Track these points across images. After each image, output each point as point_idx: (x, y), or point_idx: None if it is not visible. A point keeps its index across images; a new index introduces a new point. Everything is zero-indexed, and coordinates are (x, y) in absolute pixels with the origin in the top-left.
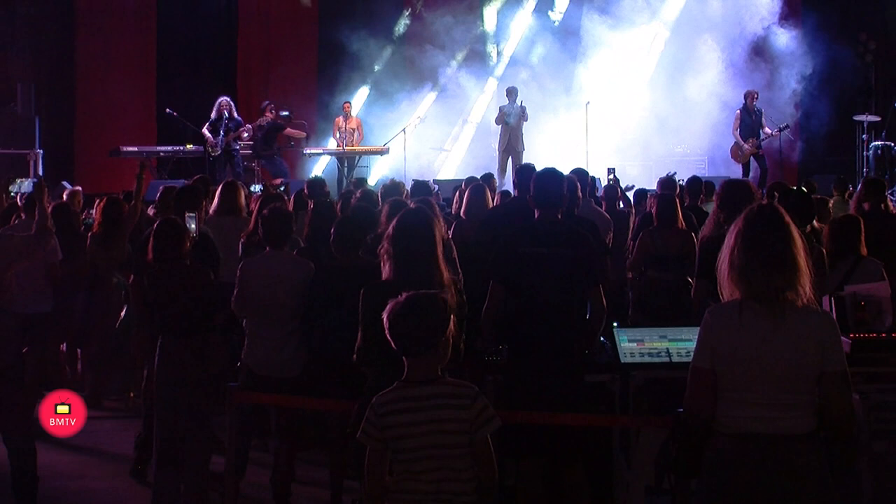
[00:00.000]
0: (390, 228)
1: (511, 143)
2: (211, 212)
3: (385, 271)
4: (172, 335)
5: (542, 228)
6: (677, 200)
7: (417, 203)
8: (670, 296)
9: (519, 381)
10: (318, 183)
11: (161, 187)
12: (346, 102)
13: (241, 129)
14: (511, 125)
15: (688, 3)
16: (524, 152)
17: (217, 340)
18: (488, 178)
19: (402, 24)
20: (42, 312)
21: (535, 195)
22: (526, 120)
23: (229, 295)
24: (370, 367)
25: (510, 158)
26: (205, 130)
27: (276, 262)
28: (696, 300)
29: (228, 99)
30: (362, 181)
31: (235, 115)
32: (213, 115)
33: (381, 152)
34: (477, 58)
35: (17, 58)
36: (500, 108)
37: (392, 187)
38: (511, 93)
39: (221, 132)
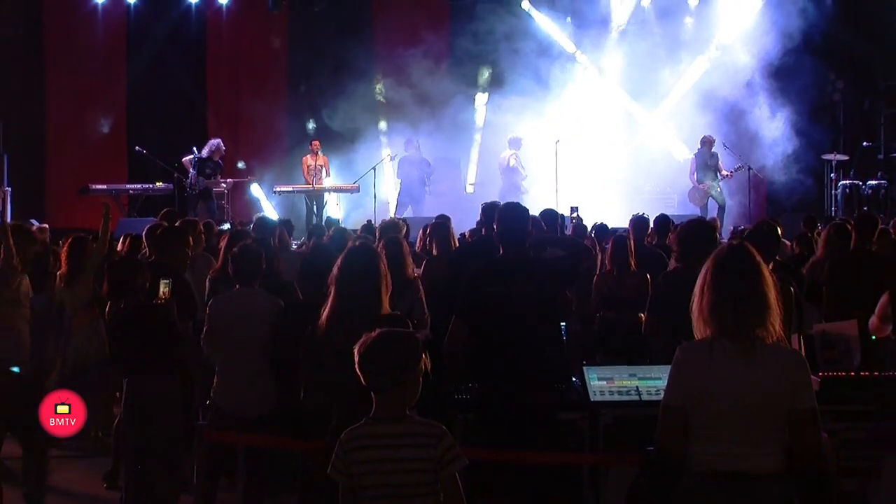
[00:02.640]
0: (335, 268)
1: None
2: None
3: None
4: (137, 374)
5: (506, 265)
6: (630, 242)
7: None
8: (627, 337)
9: (488, 420)
10: (265, 223)
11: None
12: (314, 140)
13: (223, 179)
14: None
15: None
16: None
17: (184, 379)
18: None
19: (369, 61)
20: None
21: (499, 231)
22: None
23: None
24: (318, 407)
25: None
26: (186, 161)
27: (245, 299)
28: (647, 334)
29: (220, 142)
30: (332, 221)
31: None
32: (203, 153)
33: (352, 190)
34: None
35: None
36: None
37: (391, 225)
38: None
39: (207, 171)
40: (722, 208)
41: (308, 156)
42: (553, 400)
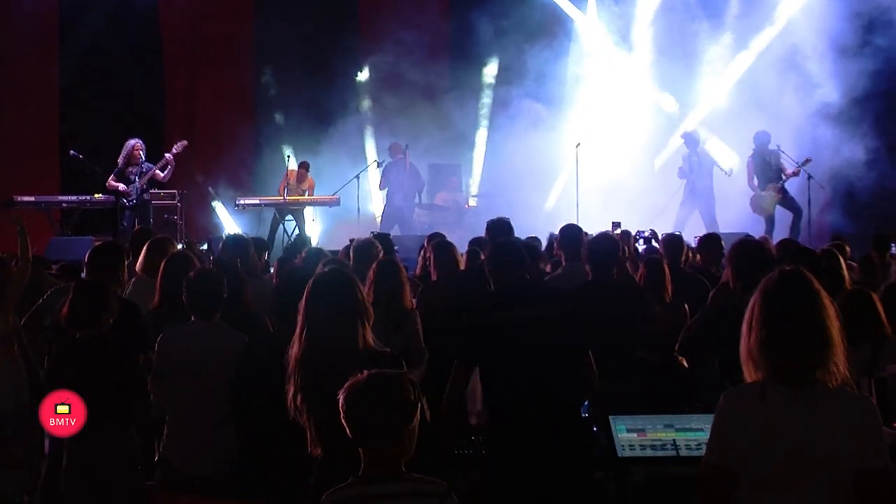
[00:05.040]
0: (303, 297)
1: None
2: (137, 272)
3: (293, 349)
4: (87, 423)
5: (513, 292)
6: (665, 266)
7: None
8: (658, 381)
9: (498, 479)
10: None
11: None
12: (303, 162)
13: (155, 167)
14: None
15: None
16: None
17: (137, 431)
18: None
19: (353, 49)
20: None
21: (491, 267)
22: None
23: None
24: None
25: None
26: (111, 181)
27: (203, 334)
28: (686, 377)
29: (140, 141)
30: (304, 239)
31: (143, 161)
32: (120, 162)
33: (331, 203)
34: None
35: None
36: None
37: (365, 247)
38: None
39: (136, 179)
40: (798, 213)
41: (292, 170)
42: (583, 453)
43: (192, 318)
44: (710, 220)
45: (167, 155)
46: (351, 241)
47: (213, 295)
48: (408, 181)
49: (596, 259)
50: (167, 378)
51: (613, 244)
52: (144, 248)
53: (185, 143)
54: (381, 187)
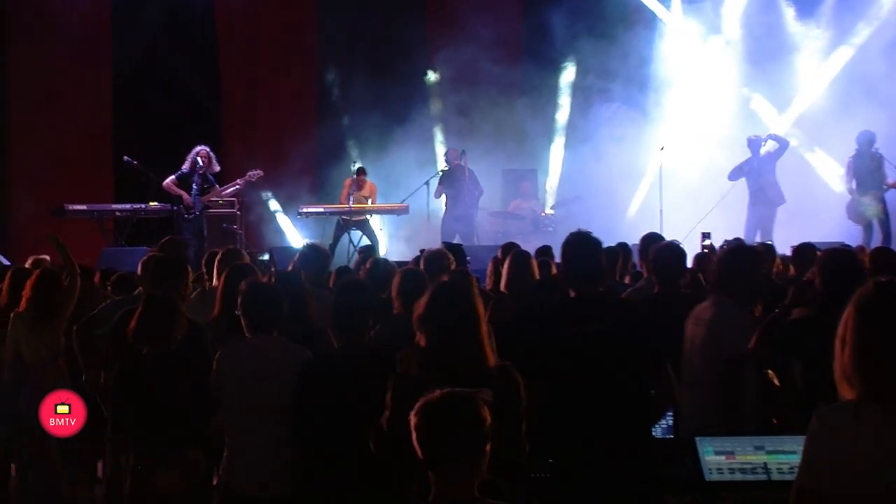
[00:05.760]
0: (421, 308)
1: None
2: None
3: (415, 361)
4: (150, 444)
5: (581, 307)
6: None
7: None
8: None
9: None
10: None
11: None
12: (360, 168)
13: (222, 189)
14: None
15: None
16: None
17: (203, 454)
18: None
19: (422, 64)
20: None
21: (567, 269)
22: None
23: None
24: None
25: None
26: (170, 183)
27: (261, 350)
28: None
29: (207, 149)
30: (370, 249)
31: (215, 167)
32: (185, 168)
33: (399, 211)
34: None
35: None
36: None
37: (436, 258)
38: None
39: (195, 188)
40: (888, 236)
41: (350, 179)
42: (658, 477)
43: (248, 335)
44: (762, 232)
45: (239, 181)
46: (421, 251)
47: (267, 309)
48: (467, 188)
49: (661, 271)
50: (225, 397)
51: (679, 255)
52: (216, 261)
53: (260, 173)
54: (437, 196)
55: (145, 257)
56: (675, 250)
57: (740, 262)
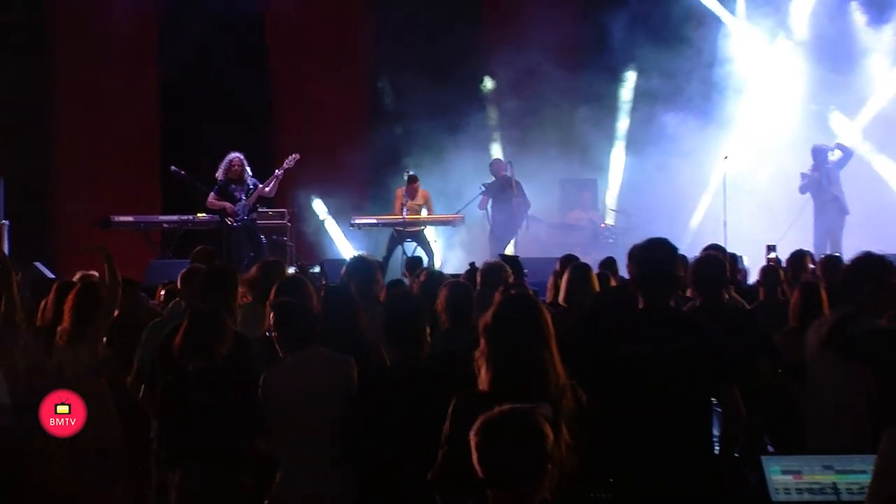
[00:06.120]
0: (487, 320)
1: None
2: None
3: (482, 377)
4: (196, 461)
5: (647, 321)
6: (822, 291)
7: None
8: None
9: None
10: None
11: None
12: (412, 175)
13: (262, 185)
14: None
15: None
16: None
17: (252, 472)
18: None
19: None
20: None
21: (638, 275)
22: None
23: None
24: (446, 496)
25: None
26: (212, 199)
27: (302, 368)
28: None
29: (240, 156)
30: (417, 260)
31: (248, 176)
32: (220, 178)
33: (455, 222)
34: None
35: None
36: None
37: (493, 270)
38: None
39: (242, 197)
40: None
41: (401, 188)
42: (723, 498)
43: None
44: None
45: (277, 171)
46: (471, 264)
47: (299, 325)
48: (514, 200)
49: (700, 283)
50: (273, 420)
51: (719, 267)
52: (254, 272)
53: (297, 156)
54: (481, 207)
55: (185, 270)
56: (715, 261)
57: (867, 270)
